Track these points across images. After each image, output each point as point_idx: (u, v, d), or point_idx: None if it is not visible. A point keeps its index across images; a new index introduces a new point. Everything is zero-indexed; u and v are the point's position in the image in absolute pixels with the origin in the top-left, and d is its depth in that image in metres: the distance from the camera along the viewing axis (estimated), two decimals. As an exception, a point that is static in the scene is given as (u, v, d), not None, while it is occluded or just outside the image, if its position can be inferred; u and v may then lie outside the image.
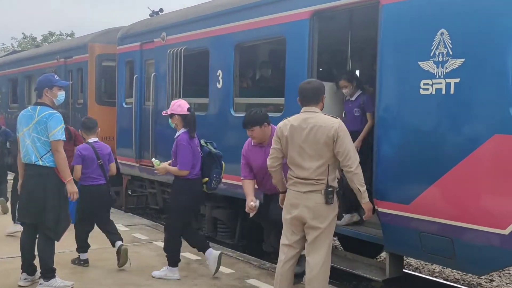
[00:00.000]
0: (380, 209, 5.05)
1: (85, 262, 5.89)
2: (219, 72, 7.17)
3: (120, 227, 6.49)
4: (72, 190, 4.93)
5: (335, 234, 6.66)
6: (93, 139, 5.99)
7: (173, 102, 5.75)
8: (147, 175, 8.88)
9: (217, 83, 7.22)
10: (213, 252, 5.66)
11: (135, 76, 9.09)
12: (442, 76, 4.47)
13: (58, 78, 5.25)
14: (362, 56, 7.14)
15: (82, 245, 5.90)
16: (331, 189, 4.25)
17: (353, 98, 5.89)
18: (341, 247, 7.86)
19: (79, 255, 5.92)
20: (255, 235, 7.32)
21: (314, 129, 4.21)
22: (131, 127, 9.06)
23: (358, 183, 4.24)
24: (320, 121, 4.24)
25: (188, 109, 5.57)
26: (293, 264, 4.47)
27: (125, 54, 9.51)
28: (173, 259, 5.58)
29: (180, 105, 5.57)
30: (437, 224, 4.58)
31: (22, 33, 42.83)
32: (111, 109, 10.13)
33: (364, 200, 4.34)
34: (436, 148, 4.57)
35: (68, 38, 41.44)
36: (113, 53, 10.16)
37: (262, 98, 7.17)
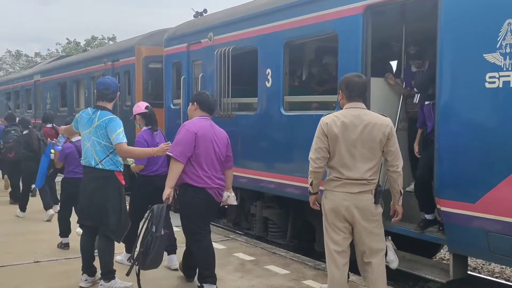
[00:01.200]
0: (443, 209, 4.86)
1: (65, 246, 6.64)
2: (268, 70, 7.10)
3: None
4: (161, 149, 4.92)
5: (389, 234, 6.57)
6: (76, 138, 6.45)
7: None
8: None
9: (266, 82, 7.16)
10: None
11: (182, 77, 9.11)
12: (510, 69, 4.26)
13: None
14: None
15: (64, 230, 6.71)
16: (381, 188, 4.15)
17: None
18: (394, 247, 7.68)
19: (61, 240, 6.70)
20: (307, 235, 7.24)
21: (369, 126, 4.04)
22: (179, 128, 9.08)
23: (401, 185, 4.17)
24: (375, 118, 4.09)
25: (146, 107, 5.89)
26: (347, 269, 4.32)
27: (172, 56, 9.56)
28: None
29: (138, 105, 5.99)
30: (506, 223, 4.38)
31: (66, 39, 44.16)
32: (159, 110, 10.17)
33: (400, 202, 4.26)
34: (504, 144, 4.37)
35: (110, 42, 42.36)
36: (159, 55, 10.23)
37: (313, 96, 7.07)
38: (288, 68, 6.99)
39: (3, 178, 11.30)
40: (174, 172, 4.73)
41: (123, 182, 5.03)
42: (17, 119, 9.98)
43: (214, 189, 4.87)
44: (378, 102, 5.82)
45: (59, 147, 6.53)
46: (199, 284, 4.97)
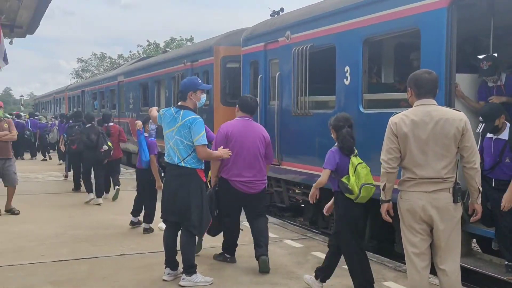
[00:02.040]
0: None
1: (135, 224, 7.84)
2: (347, 68, 7.01)
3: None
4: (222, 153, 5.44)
5: (474, 236, 6.28)
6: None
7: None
8: (272, 173, 8.96)
9: (345, 80, 7.07)
10: None
11: (259, 76, 9.20)
12: None
13: (201, 81, 5.36)
14: (507, 44, 6.59)
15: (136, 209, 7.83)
16: (459, 186, 3.94)
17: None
18: (479, 250, 7.34)
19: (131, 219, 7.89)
20: (386, 235, 7.08)
21: (441, 122, 3.87)
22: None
23: (479, 182, 3.96)
24: (446, 113, 3.92)
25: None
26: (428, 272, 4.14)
27: (249, 55, 9.68)
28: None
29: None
30: None
31: (147, 40, 45.84)
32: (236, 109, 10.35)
33: (479, 200, 4.03)
34: None
35: (188, 43, 43.50)
36: (237, 55, 10.39)
37: (393, 93, 6.90)
38: (367, 66, 6.87)
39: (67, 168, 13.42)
40: (214, 166, 5.71)
41: (204, 179, 5.17)
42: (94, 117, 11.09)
43: (242, 182, 5.60)
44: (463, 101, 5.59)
45: (153, 138, 7.29)
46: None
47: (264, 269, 5.61)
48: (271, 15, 9.81)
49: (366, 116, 6.74)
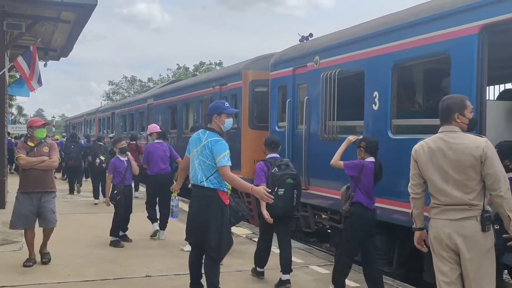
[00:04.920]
0: None
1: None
2: (376, 93, 6.98)
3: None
4: (260, 193, 5.00)
5: (506, 267, 6.10)
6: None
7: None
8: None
9: (373, 105, 7.04)
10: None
11: (287, 100, 9.24)
12: None
13: (228, 105, 5.36)
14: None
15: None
16: (488, 214, 3.82)
17: None
18: (511, 281, 7.12)
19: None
20: (415, 264, 6.92)
21: (456, 150, 3.82)
22: (284, 150, 9.19)
23: (508, 209, 3.78)
24: (464, 140, 3.84)
25: (160, 128, 9.48)
26: None
27: (277, 80, 9.73)
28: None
29: (154, 126, 9.52)
30: None
31: (177, 64, 46.59)
32: (264, 133, 10.39)
33: None
34: None
35: (217, 67, 44.02)
36: (265, 79, 10.46)
37: (423, 119, 6.82)
38: (396, 91, 6.83)
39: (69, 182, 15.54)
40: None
41: (227, 202, 5.16)
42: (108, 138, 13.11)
43: None
44: (495, 127, 5.49)
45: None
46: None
47: None
48: (300, 40, 9.87)
49: (394, 142, 6.68)
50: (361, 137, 6.17)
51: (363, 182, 5.63)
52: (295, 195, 6.09)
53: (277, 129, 9.73)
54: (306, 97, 8.62)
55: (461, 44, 5.61)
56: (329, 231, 9.22)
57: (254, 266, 6.51)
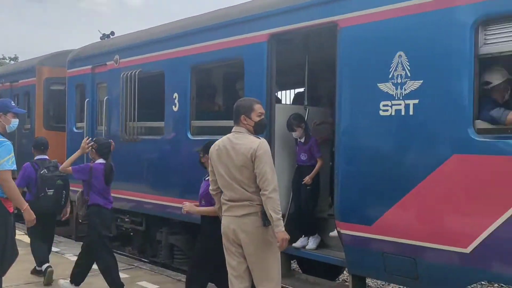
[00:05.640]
0: (342, 231, 5.02)
1: None
2: (175, 95, 7.05)
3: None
4: (29, 218, 4.76)
5: (294, 257, 6.66)
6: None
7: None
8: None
9: (173, 106, 7.09)
10: None
11: (86, 100, 8.83)
12: (401, 98, 4.53)
13: (14, 104, 5.02)
14: (319, 79, 7.19)
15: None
16: None
17: (302, 140, 5.88)
18: (299, 270, 7.79)
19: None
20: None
21: (236, 149, 4.08)
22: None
23: (272, 209, 3.93)
24: (242, 141, 4.10)
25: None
26: None
27: (75, 78, 9.24)
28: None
29: None
30: (399, 244, 4.59)
31: (-37, 56, 41.19)
32: (61, 134, 9.79)
33: (277, 228, 3.95)
34: (397, 169, 4.61)
35: (12, 62, 40.19)
36: (62, 77, 9.87)
37: (221, 121, 7.05)
38: (196, 93, 6.98)
39: None
40: None
41: (11, 210, 4.70)
42: None
43: None
44: (283, 128, 5.94)
45: None
46: None
47: None
48: (100, 38, 9.50)
49: (194, 143, 6.80)
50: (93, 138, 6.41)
51: (94, 184, 5.75)
52: (63, 196, 6.52)
53: (75, 130, 9.25)
54: (106, 97, 8.34)
55: (253, 50, 5.95)
56: (132, 234, 9.03)
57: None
